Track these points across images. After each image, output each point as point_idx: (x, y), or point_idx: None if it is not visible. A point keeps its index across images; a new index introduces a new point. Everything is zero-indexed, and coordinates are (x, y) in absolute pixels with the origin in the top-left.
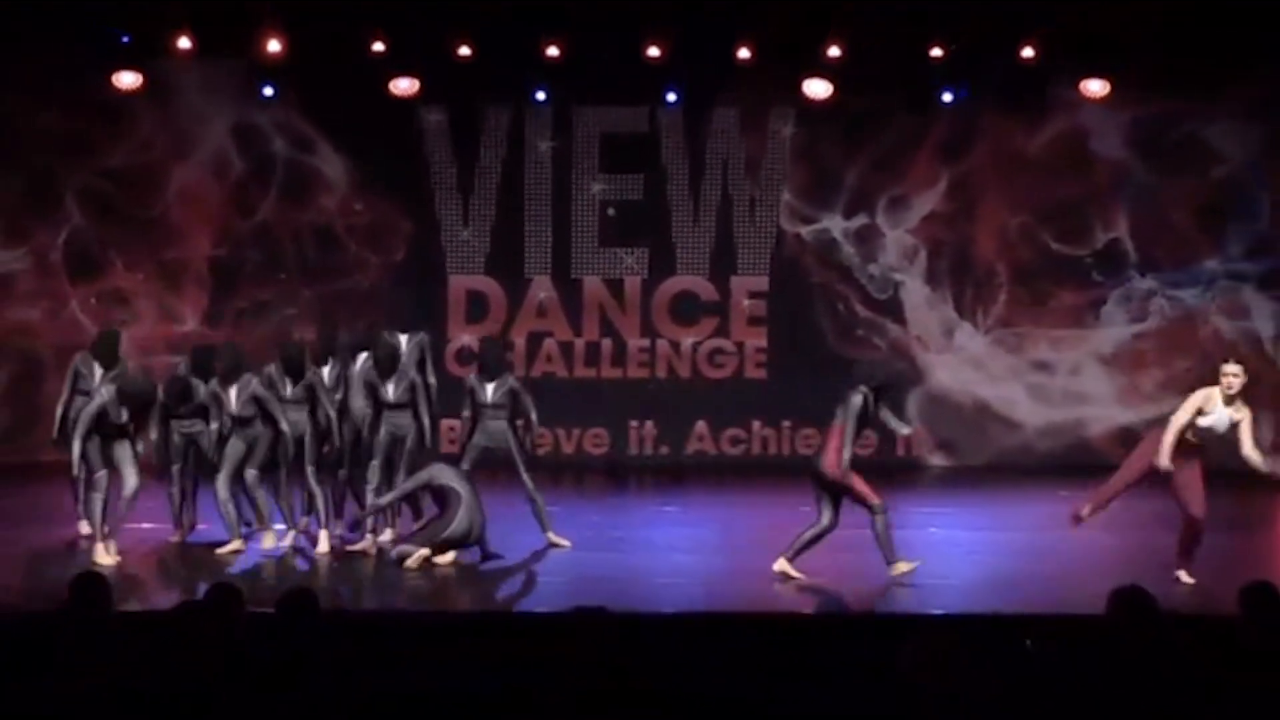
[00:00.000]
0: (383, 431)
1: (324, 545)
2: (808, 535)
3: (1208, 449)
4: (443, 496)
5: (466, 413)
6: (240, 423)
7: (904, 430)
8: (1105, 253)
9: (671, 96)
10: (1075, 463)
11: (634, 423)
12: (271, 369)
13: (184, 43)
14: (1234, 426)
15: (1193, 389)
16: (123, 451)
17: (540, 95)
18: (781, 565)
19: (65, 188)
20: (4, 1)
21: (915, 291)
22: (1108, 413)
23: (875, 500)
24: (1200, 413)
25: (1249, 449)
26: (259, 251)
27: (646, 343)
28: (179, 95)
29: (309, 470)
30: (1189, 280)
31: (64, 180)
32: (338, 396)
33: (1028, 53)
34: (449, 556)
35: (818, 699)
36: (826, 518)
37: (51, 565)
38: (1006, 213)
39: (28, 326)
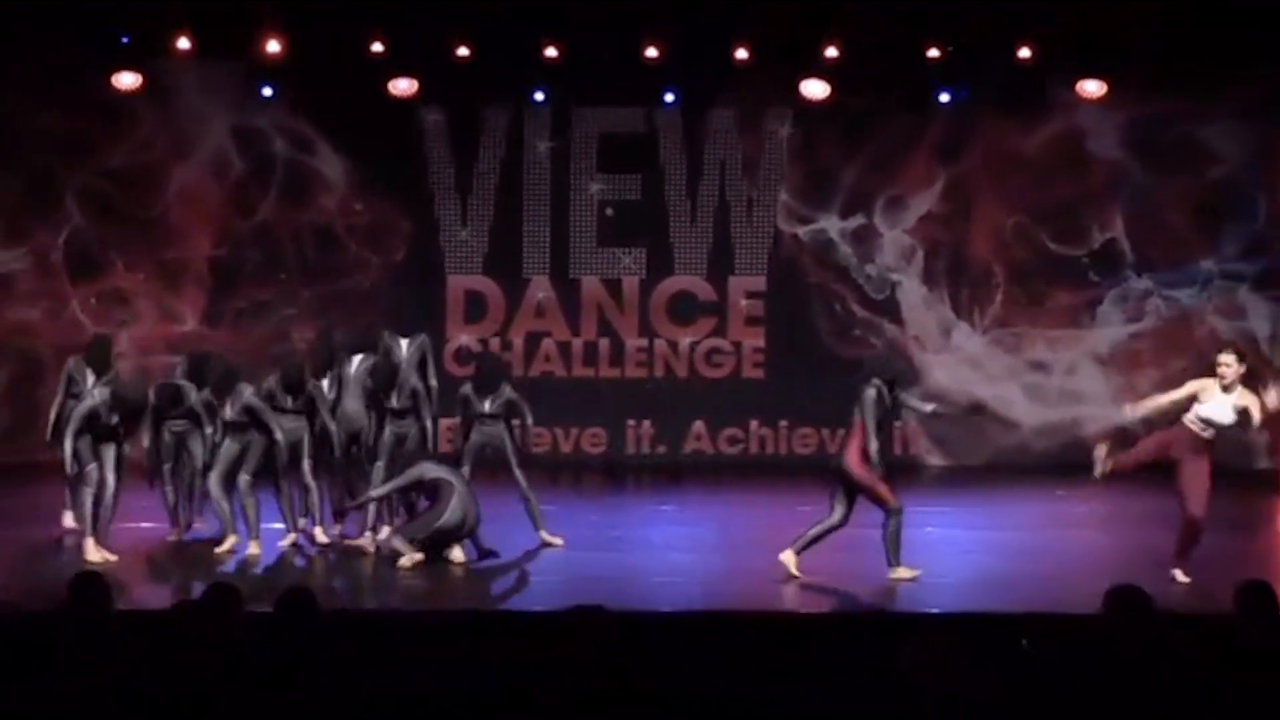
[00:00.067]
0: (387, 432)
1: (321, 538)
2: (815, 531)
3: (1217, 446)
4: (434, 490)
5: (462, 418)
6: (234, 428)
7: (927, 408)
8: (1102, 253)
9: (669, 97)
10: (1071, 462)
11: (632, 422)
12: (271, 382)
13: (183, 43)
14: (1243, 414)
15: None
16: (107, 453)
17: (539, 96)
18: (787, 557)
19: (65, 188)
20: (4, 2)
21: (912, 291)
22: (1104, 412)
23: (893, 503)
24: (1196, 400)
25: (1261, 411)
26: (259, 252)
27: (644, 342)
28: (179, 96)
29: (305, 464)
30: (1185, 280)
31: (64, 180)
32: (332, 397)
33: (1024, 53)
34: (459, 555)
35: (815, 698)
36: (838, 515)
37: (50, 565)
38: (1003, 213)
39: (28, 326)
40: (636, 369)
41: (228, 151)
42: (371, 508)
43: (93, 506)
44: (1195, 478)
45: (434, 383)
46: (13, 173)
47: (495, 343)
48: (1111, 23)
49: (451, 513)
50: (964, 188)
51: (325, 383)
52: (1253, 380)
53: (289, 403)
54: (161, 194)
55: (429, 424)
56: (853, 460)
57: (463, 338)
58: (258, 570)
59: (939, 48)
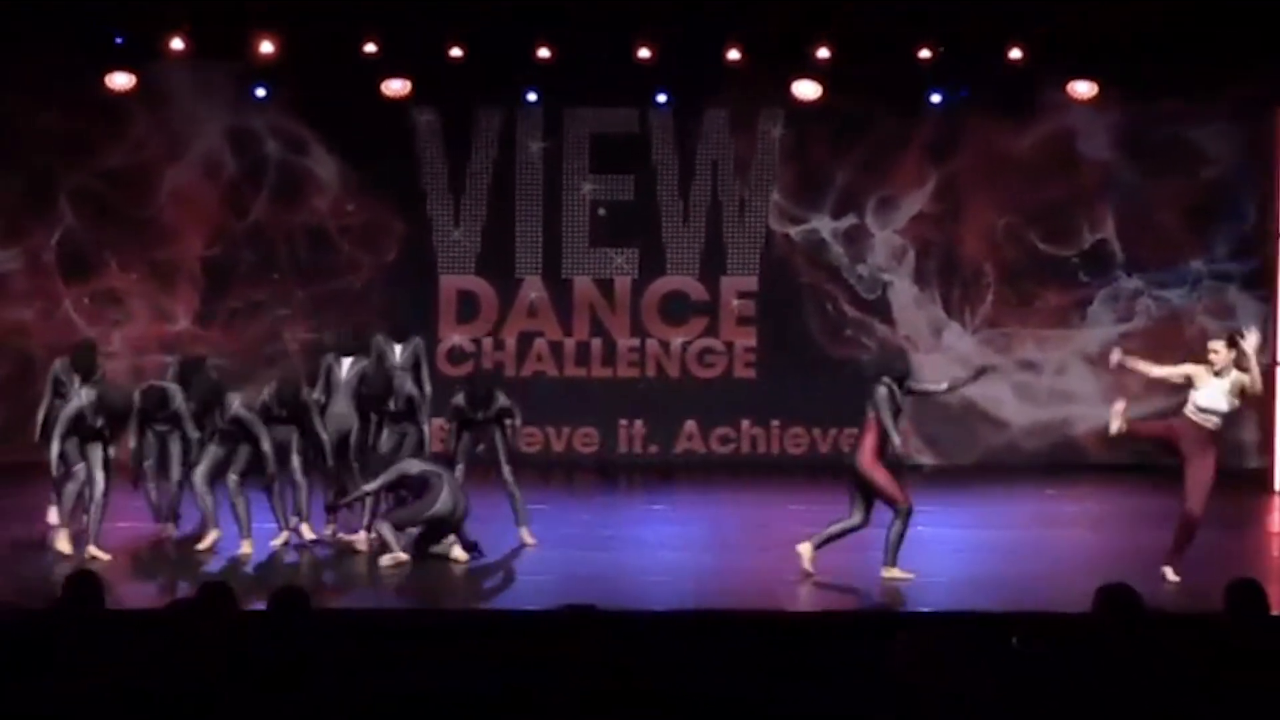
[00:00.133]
0: (385, 435)
1: (309, 535)
2: (836, 529)
3: (1221, 437)
4: (422, 483)
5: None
6: (223, 435)
7: (943, 386)
8: (1092, 253)
9: (662, 98)
10: (1061, 461)
11: (624, 422)
12: (266, 395)
13: (177, 44)
14: (1238, 390)
15: (1178, 389)
16: (94, 453)
17: (531, 96)
18: (805, 549)
19: (59, 188)
20: (2, 2)
21: (903, 291)
22: (1094, 412)
23: (903, 504)
24: (1191, 387)
25: (1253, 384)
26: (252, 252)
27: (636, 342)
28: (173, 97)
29: (295, 462)
30: (1175, 280)
31: (58, 181)
32: (322, 400)
33: (1015, 54)
34: (460, 554)
35: (808, 697)
36: (858, 517)
37: (41, 563)
38: (994, 213)
39: (22, 326)
40: (629, 369)
41: (221, 152)
42: (367, 505)
43: (75, 503)
44: (1197, 474)
45: (428, 388)
46: (10, 173)
47: (488, 343)
48: (1102, 24)
49: (442, 503)
50: (955, 188)
51: (317, 389)
52: (1243, 362)
53: (283, 414)
54: (155, 194)
55: (426, 428)
56: (866, 460)
57: (455, 338)
58: (250, 569)
59: (930, 48)
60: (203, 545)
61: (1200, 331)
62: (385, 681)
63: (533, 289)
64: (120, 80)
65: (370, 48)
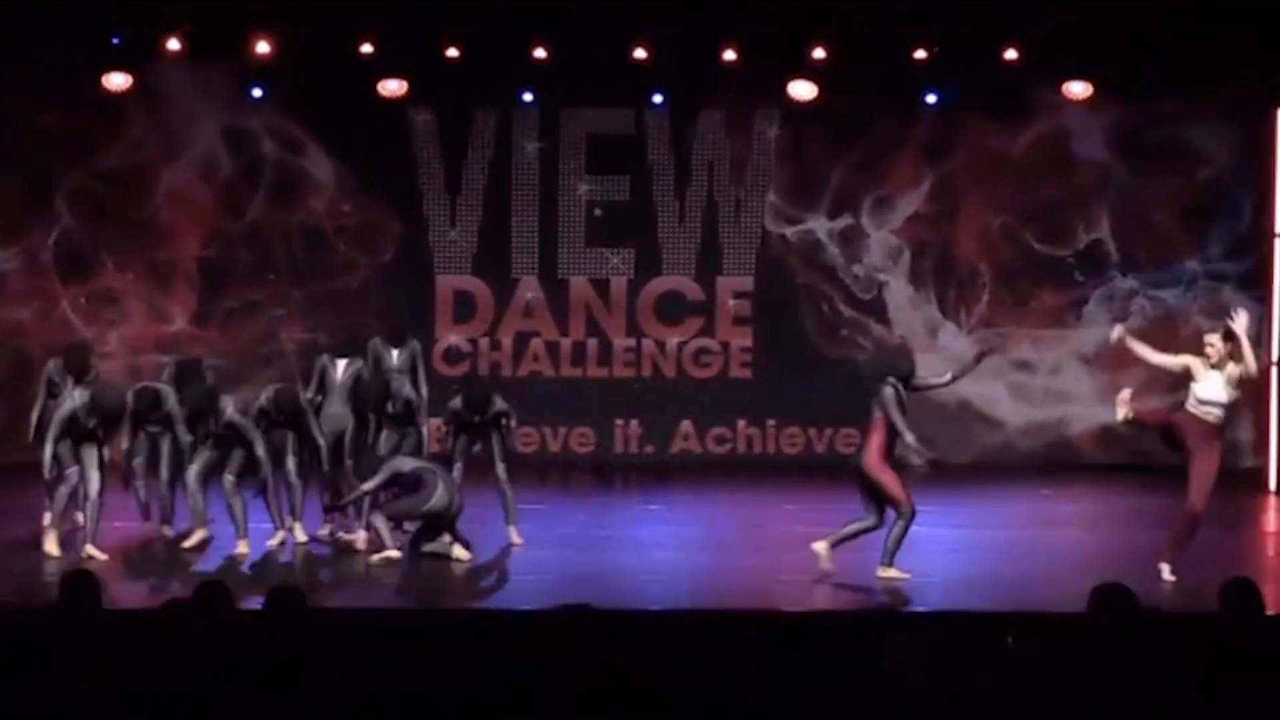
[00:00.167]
0: (384, 435)
1: (301, 535)
2: (851, 529)
3: (1225, 432)
4: (416, 480)
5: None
6: (217, 439)
7: (946, 377)
8: (1087, 253)
9: (658, 98)
10: (1056, 461)
11: (619, 422)
12: (264, 400)
13: (174, 45)
14: (1236, 381)
15: (1173, 388)
16: (89, 454)
17: (527, 96)
18: (821, 548)
19: (56, 188)
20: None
21: (899, 291)
22: (1089, 412)
23: (906, 506)
24: (1191, 379)
25: (1249, 371)
26: (248, 252)
27: (632, 342)
28: (169, 97)
29: (289, 463)
30: (1170, 280)
31: (55, 181)
32: (317, 399)
33: (1011, 55)
34: (463, 553)
35: (803, 696)
36: (872, 519)
37: (42, 564)
38: (989, 213)
39: (19, 326)
40: (624, 369)
41: (218, 152)
42: (366, 505)
43: (67, 506)
44: (1201, 470)
45: (424, 390)
46: (8, 173)
47: (484, 343)
48: (1097, 25)
49: (438, 498)
50: (951, 188)
51: (311, 389)
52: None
53: (280, 419)
54: (151, 195)
55: (424, 429)
56: (872, 460)
57: (451, 338)
58: (245, 568)
59: (926, 49)
60: (189, 543)
61: (1195, 331)
62: (381, 681)
63: (529, 289)
64: (117, 80)
65: (367, 48)
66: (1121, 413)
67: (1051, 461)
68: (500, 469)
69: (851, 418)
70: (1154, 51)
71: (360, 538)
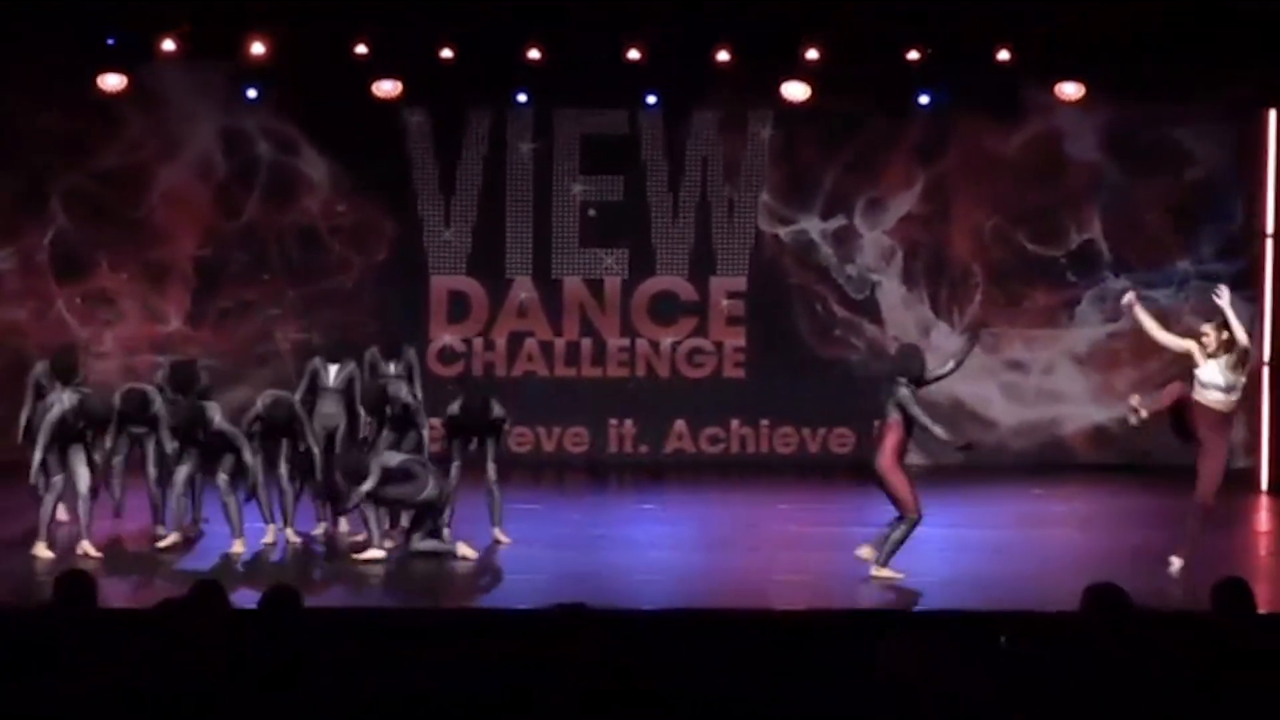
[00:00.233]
0: (384, 435)
1: (294, 538)
2: (890, 528)
3: (1232, 422)
4: (405, 472)
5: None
6: (205, 447)
7: (949, 366)
8: (1079, 253)
9: (651, 99)
10: (1049, 461)
11: (614, 421)
12: (259, 409)
13: (169, 45)
14: (1235, 364)
15: (1165, 388)
16: (76, 454)
17: (521, 97)
18: (868, 553)
19: (51, 189)
20: None
21: (892, 292)
22: (1082, 411)
23: (912, 512)
24: (1192, 363)
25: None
26: (243, 252)
27: (626, 342)
28: (165, 98)
29: (282, 467)
30: (1162, 280)
31: (50, 181)
32: (308, 399)
33: (1003, 56)
34: (467, 551)
35: (797, 695)
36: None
37: (35, 563)
38: (982, 214)
39: (15, 326)
40: (618, 369)
41: (213, 153)
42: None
43: (54, 511)
44: (1209, 462)
45: (419, 395)
46: (3, 173)
47: (478, 343)
48: (1090, 26)
49: (431, 488)
50: (943, 189)
51: (301, 390)
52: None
53: (275, 427)
54: (147, 195)
55: (424, 431)
56: (885, 461)
57: (446, 338)
58: (238, 567)
59: (919, 50)
60: (163, 544)
61: (1187, 331)
62: (379, 680)
63: (523, 289)
64: (112, 81)
65: (361, 49)
66: (1134, 419)
67: (1044, 461)
68: (490, 469)
69: (845, 418)
70: (1146, 53)
71: (357, 536)
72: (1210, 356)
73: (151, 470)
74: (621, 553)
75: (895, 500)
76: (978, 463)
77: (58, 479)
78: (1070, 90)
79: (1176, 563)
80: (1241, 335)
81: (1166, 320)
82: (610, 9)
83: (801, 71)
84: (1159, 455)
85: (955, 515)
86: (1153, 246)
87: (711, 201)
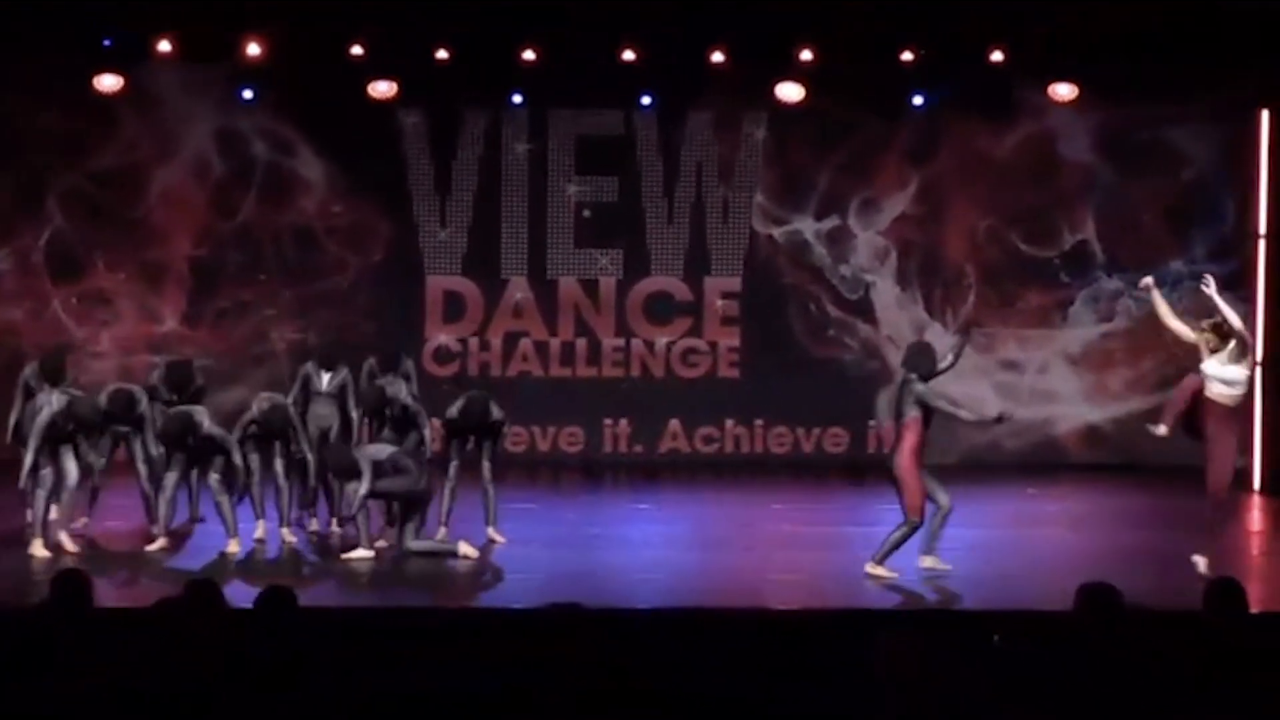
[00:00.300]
0: (385, 435)
1: (290, 536)
2: (933, 526)
3: (1237, 415)
4: (394, 466)
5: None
6: (194, 451)
7: (949, 359)
8: (1073, 254)
9: (646, 100)
10: (1043, 461)
11: (609, 421)
12: (255, 413)
13: (165, 46)
14: (1237, 355)
15: (1158, 387)
16: (65, 453)
17: (517, 98)
18: (929, 562)
19: (47, 189)
20: None
21: (886, 292)
22: (1075, 411)
23: (915, 514)
24: (1198, 355)
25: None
26: (239, 252)
27: (621, 342)
28: (161, 98)
29: (278, 465)
30: (1155, 281)
31: (46, 181)
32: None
33: (997, 57)
34: (469, 550)
35: (791, 693)
36: (941, 500)
37: (30, 562)
38: (975, 214)
39: (11, 326)
40: (613, 369)
41: (209, 153)
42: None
43: (46, 509)
44: (1216, 450)
45: (416, 393)
46: (3, 173)
47: (474, 343)
48: (1083, 27)
49: (419, 480)
50: (937, 190)
51: (293, 394)
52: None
53: (270, 433)
54: (143, 195)
55: (426, 431)
56: (903, 461)
57: (441, 337)
58: (233, 566)
59: (913, 52)
60: (151, 548)
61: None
62: (372, 679)
63: (518, 289)
64: (109, 82)
65: (357, 50)
66: (1161, 429)
67: (1038, 461)
68: (486, 469)
69: (839, 417)
70: (1139, 54)
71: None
72: (1213, 351)
73: (141, 468)
74: (617, 552)
75: (902, 499)
76: (974, 462)
77: (46, 472)
78: (1063, 91)
79: (1201, 561)
80: (1235, 321)
81: (1160, 320)
82: (605, 10)
83: (796, 73)
84: (1152, 456)
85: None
86: (1146, 247)
87: (706, 202)
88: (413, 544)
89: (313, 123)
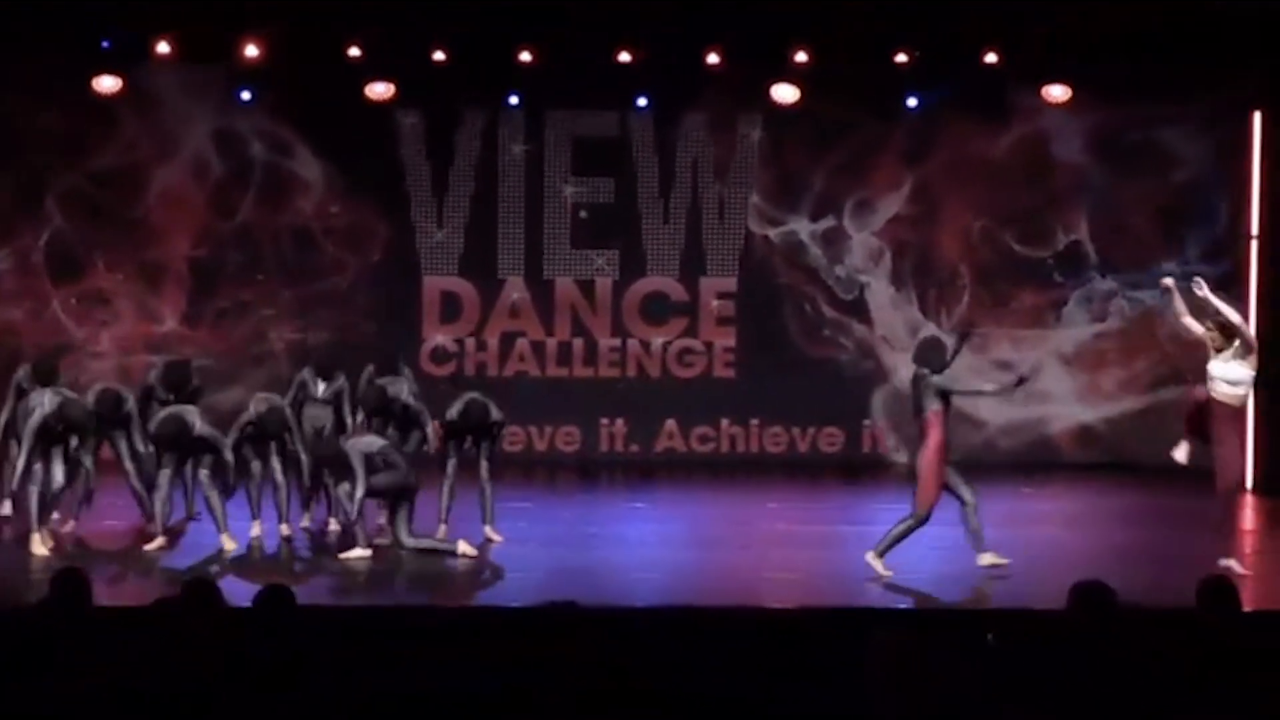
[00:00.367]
0: (388, 434)
1: (286, 531)
2: (970, 522)
3: (1242, 416)
4: (385, 459)
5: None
6: (186, 451)
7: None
8: (1066, 254)
9: (642, 101)
10: (1037, 460)
11: (605, 421)
12: (253, 415)
13: (164, 48)
14: (1242, 352)
15: (1151, 387)
16: (55, 453)
17: (514, 100)
18: (986, 559)
19: (47, 189)
20: None
21: (880, 292)
22: (1069, 411)
23: (924, 510)
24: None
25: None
26: (238, 253)
27: (617, 342)
28: (160, 99)
29: (274, 462)
30: (1148, 281)
31: (46, 182)
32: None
33: (990, 59)
34: (468, 549)
35: (785, 691)
36: (965, 495)
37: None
38: (969, 215)
39: (11, 326)
40: (609, 369)
41: (208, 154)
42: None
43: (41, 505)
44: (1223, 449)
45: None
46: (2, 173)
47: (470, 343)
48: (1076, 29)
49: (407, 475)
50: (931, 191)
51: (289, 398)
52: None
53: (266, 434)
54: (142, 195)
55: (429, 429)
56: (929, 456)
57: (438, 338)
58: (232, 565)
59: (907, 53)
60: (149, 547)
61: (1173, 331)
62: (369, 678)
63: (515, 290)
64: (107, 83)
65: (354, 51)
66: (1185, 459)
67: (1031, 460)
68: (483, 468)
69: (834, 417)
70: (1132, 56)
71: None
72: (1218, 351)
73: (129, 465)
74: (613, 550)
75: (917, 493)
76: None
77: (37, 468)
78: (1057, 93)
79: (1233, 564)
80: (1234, 317)
81: (1153, 321)
82: (601, 12)
83: (791, 74)
84: (1146, 456)
85: (943, 513)
86: (1139, 248)
87: (702, 203)
88: (410, 541)
89: (311, 123)
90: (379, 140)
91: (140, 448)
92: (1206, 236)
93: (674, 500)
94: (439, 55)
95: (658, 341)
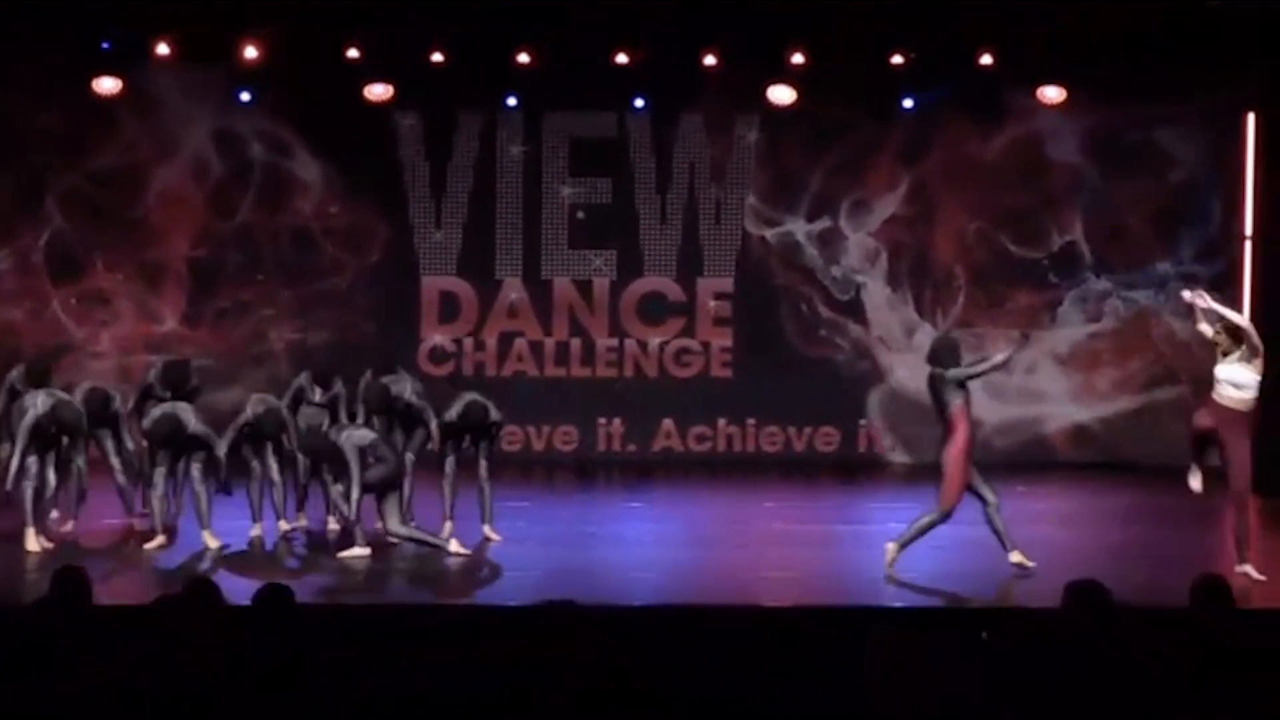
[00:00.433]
0: (395, 434)
1: (285, 526)
2: (995, 522)
3: (1248, 420)
4: (376, 454)
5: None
6: (180, 449)
7: (998, 359)
8: (1061, 255)
9: (639, 102)
10: (1031, 460)
11: (602, 420)
12: (250, 416)
13: (163, 49)
14: (1247, 356)
15: (1145, 387)
16: (48, 454)
17: (512, 101)
18: (1016, 558)
19: (47, 189)
20: None
21: (876, 293)
22: (1064, 410)
23: (949, 506)
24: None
25: (1237, 317)
26: (238, 253)
27: (615, 342)
28: (160, 100)
29: (270, 460)
30: (1143, 281)
31: (46, 182)
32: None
33: (986, 60)
34: (458, 547)
35: (782, 690)
36: (987, 495)
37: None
38: (965, 216)
39: (10, 326)
40: (607, 368)
41: (207, 155)
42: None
43: (36, 502)
44: (1231, 453)
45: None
46: (2, 173)
47: (468, 343)
48: (1072, 30)
49: (395, 467)
50: (927, 191)
51: (285, 400)
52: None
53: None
54: (142, 196)
55: (433, 426)
56: (954, 451)
57: (437, 338)
58: (230, 563)
59: (903, 55)
60: (149, 546)
61: (1168, 332)
62: (368, 677)
63: (513, 290)
64: (107, 84)
65: (353, 53)
66: (1196, 483)
67: (1026, 460)
68: (482, 468)
69: (830, 417)
70: (1127, 57)
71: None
72: (1225, 354)
73: (114, 461)
74: (610, 550)
75: (942, 489)
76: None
77: (33, 466)
78: (1052, 94)
79: (1252, 570)
80: (1237, 319)
81: (1147, 321)
82: (599, 14)
83: (787, 75)
84: (1142, 457)
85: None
86: (1133, 248)
87: (699, 203)
88: (400, 529)
89: (310, 124)
90: (378, 141)
91: (129, 445)
92: (1201, 237)
93: (671, 499)
94: (437, 56)
95: (655, 341)
